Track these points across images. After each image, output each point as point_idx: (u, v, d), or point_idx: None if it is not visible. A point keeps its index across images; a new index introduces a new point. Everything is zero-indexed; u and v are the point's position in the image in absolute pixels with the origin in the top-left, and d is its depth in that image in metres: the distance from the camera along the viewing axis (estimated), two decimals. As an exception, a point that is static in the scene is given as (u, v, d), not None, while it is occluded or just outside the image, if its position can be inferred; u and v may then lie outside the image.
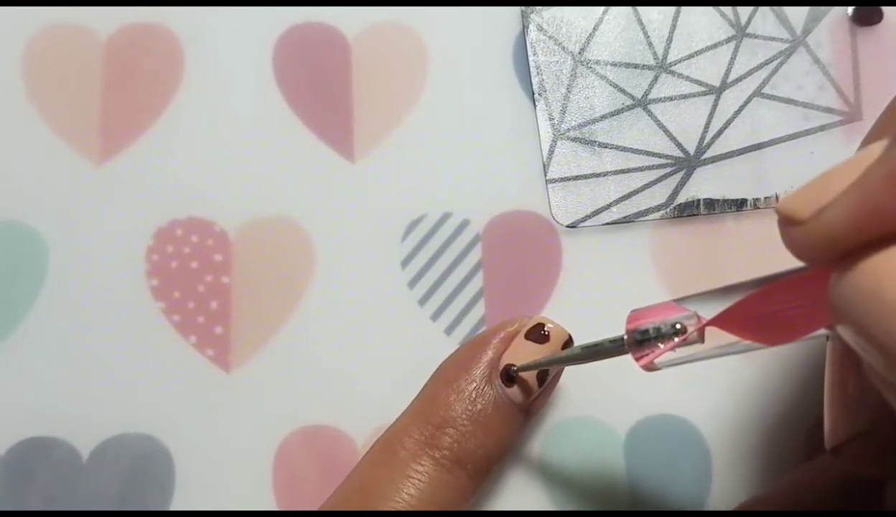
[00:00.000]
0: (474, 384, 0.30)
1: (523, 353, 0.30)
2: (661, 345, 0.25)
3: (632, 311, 0.26)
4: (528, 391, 0.30)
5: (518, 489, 0.33)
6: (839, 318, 0.21)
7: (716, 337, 0.24)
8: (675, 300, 0.26)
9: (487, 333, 0.31)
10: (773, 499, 0.30)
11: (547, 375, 0.30)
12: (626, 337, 0.26)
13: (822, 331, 0.23)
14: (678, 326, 0.25)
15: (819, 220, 0.21)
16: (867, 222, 0.20)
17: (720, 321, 0.24)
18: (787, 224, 0.22)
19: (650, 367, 0.25)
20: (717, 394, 0.33)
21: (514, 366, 0.30)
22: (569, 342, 0.31)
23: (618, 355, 0.27)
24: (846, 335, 0.21)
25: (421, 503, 0.29)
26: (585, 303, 0.34)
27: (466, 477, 0.29)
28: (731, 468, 0.33)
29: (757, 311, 0.23)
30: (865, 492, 0.28)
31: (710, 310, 0.24)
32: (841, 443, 0.26)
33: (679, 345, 0.25)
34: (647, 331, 0.25)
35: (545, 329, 0.31)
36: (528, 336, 0.31)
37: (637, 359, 0.26)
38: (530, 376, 0.30)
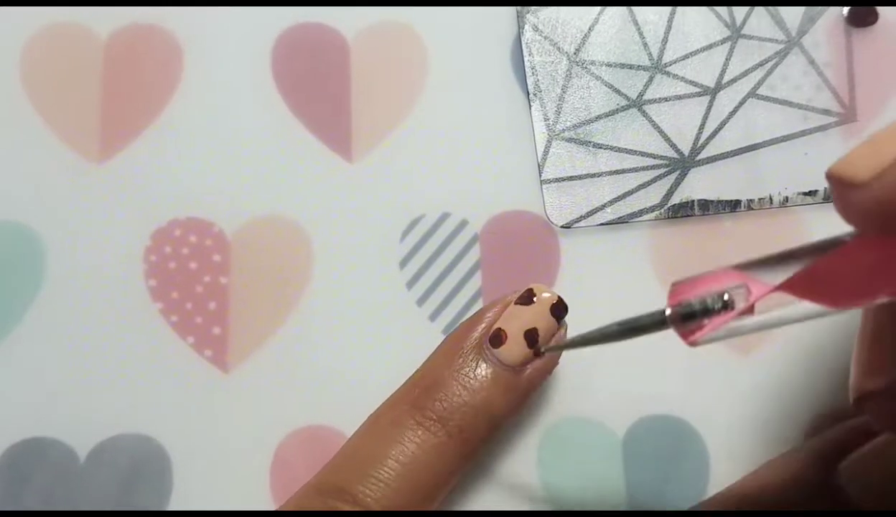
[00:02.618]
0: (461, 350, 0.29)
1: (511, 316, 0.29)
2: (707, 320, 0.22)
3: (674, 283, 0.23)
4: (518, 351, 0.29)
5: (516, 489, 0.32)
6: None
7: (768, 307, 0.22)
8: (734, 266, 0.23)
9: (482, 309, 0.30)
10: (730, 498, 0.29)
11: (536, 334, 0.29)
12: (668, 312, 0.23)
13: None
14: (726, 299, 0.22)
15: (881, 181, 0.19)
16: None
17: (784, 287, 0.21)
18: (843, 187, 0.20)
19: (695, 343, 0.23)
20: (715, 394, 0.33)
21: (540, 347, 0.29)
22: (558, 303, 0.30)
23: (658, 331, 0.24)
24: None
25: (399, 465, 0.28)
26: (583, 303, 0.33)
27: (447, 435, 0.28)
28: (728, 468, 0.32)
29: (824, 277, 0.21)
30: (822, 471, 0.28)
31: (766, 278, 0.22)
32: (868, 393, 0.24)
33: (729, 320, 0.22)
34: (691, 304, 0.23)
35: (534, 293, 0.30)
36: (518, 301, 0.30)
37: (682, 337, 0.23)
38: (518, 336, 0.29)
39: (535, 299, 0.30)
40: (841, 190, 0.20)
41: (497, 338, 0.29)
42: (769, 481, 0.29)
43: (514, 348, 0.29)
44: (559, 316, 0.30)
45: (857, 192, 0.20)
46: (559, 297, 0.30)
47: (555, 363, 0.31)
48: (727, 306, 0.22)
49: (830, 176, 0.20)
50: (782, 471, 0.29)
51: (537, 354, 0.29)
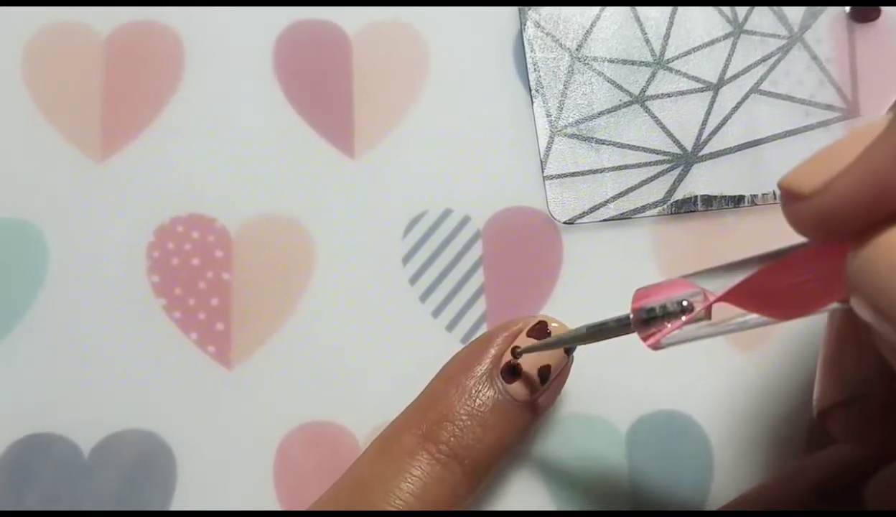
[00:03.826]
0: (474, 380, 0.29)
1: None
2: (669, 324, 0.24)
3: (637, 290, 0.25)
4: (530, 388, 0.29)
5: (519, 485, 0.32)
6: (856, 292, 0.20)
7: (724, 313, 0.23)
8: (683, 276, 0.24)
9: (491, 332, 0.30)
10: (752, 500, 0.29)
11: (549, 372, 0.29)
12: (631, 316, 0.25)
13: (835, 305, 0.22)
14: (685, 304, 0.24)
15: (824, 195, 0.20)
16: (875, 197, 0.20)
17: (731, 297, 0.23)
18: (791, 199, 0.21)
19: (657, 346, 0.24)
20: (718, 391, 0.33)
21: (518, 347, 0.29)
22: None
23: (624, 334, 0.25)
24: (861, 309, 0.20)
25: (413, 497, 0.27)
26: (586, 300, 0.33)
27: (462, 472, 0.28)
28: (732, 464, 0.32)
29: (769, 286, 0.22)
30: (842, 493, 0.28)
31: (718, 286, 0.23)
32: (829, 408, 0.25)
33: (686, 324, 0.24)
34: (653, 309, 0.24)
35: (548, 327, 0.30)
36: (530, 333, 0.30)
37: (644, 339, 0.24)
38: (532, 372, 0.29)
39: (547, 330, 0.30)
40: (788, 201, 0.21)
41: (511, 373, 0.29)
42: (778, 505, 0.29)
43: (531, 385, 0.29)
44: (570, 350, 0.30)
45: (801, 204, 0.21)
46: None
47: (559, 393, 0.31)
48: (685, 311, 0.24)
49: (780, 187, 0.22)
50: (791, 496, 0.29)
51: (514, 354, 0.29)
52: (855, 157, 0.20)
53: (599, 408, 0.32)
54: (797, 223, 0.21)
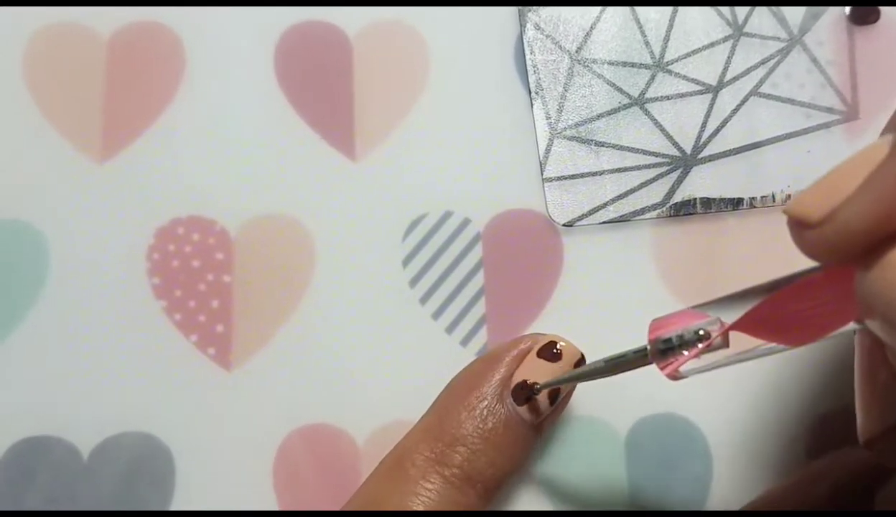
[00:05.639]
0: (485, 402, 0.29)
1: (535, 371, 0.29)
2: (686, 353, 0.24)
3: (653, 320, 0.25)
4: (539, 409, 0.29)
5: (518, 487, 0.32)
6: (868, 313, 0.20)
7: (740, 341, 0.23)
8: (693, 307, 0.24)
9: (500, 350, 0.30)
10: (766, 503, 0.29)
11: (559, 393, 0.29)
12: (649, 347, 0.24)
13: (851, 326, 0.22)
14: (701, 333, 0.23)
15: (833, 222, 0.20)
16: (884, 221, 0.20)
17: (744, 325, 0.23)
18: (799, 227, 0.21)
19: (676, 376, 0.24)
20: (718, 394, 0.32)
21: (532, 383, 0.29)
22: (581, 360, 0.29)
23: (642, 366, 0.25)
24: (876, 329, 0.20)
25: None
26: (587, 302, 0.33)
27: (476, 496, 0.28)
28: (732, 467, 0.32)
29: (781, 312, 0.22)
30: (856, 497, 0.27)
31: (730, 316, 0.23)
32: (874, 437, 0.25)
33: (703, 352, 0.23)
34: (670, 339, 0.24)
35: (557, 347, 0.29)
36: (539, 354, 0.29)
37: (662, 369, 0.24)
38: (542, 394, 0.29)
39: (556, 350, 0.29)
40: (796, 229, 0.21)
41: (522, 395, 0.29)
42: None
43: (539, 406, 0.29)
44: None
45: (812, 232, 0.21)
46: (581, 353, 0.30)
47: (562, 411, 0.31)
48: (702, 339, 0.24)
49: (786, 215, 0.22)
50: (806, 500, 0.29)
51: (532, 393, 0.29)
52: (859, 184, 0.20)
53: (599, 411, 0.32)
54: (807, 250, 0.21)
